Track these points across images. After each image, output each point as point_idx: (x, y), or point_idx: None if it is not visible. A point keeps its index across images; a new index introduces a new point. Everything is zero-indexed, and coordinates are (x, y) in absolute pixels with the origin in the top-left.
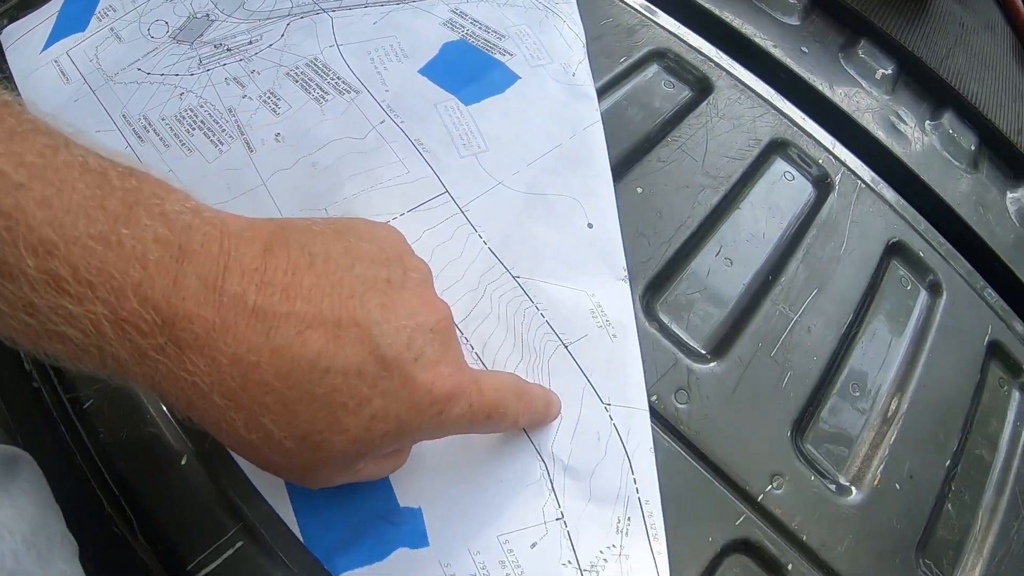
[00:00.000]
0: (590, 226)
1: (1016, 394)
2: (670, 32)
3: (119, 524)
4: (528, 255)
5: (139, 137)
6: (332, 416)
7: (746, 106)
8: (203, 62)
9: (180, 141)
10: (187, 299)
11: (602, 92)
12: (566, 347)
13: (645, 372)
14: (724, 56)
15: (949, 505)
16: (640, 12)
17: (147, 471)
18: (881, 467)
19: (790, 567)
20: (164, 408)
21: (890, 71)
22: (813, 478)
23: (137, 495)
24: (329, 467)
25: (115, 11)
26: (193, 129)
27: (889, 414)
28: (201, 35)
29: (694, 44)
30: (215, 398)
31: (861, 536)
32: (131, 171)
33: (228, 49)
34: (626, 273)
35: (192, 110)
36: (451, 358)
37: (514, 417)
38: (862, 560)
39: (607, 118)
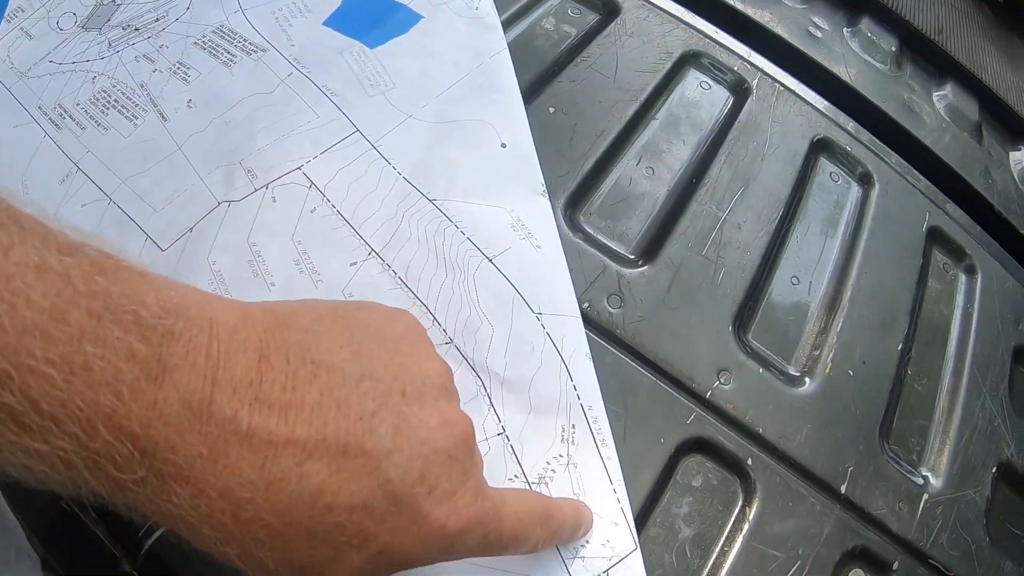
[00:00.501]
0: (503, 146)
1: (962, 277)
2: None
3: (68, 501)
4: (443, 179)
5: (56, 125)
6: (334, 551)
7: (655, 23)
8: (112, 44)
9: (96, 122)
10: (168, 425)
11: (508, 24)
12: (490, 260)
13: (574, 281)
14: None
15: (907, 390)
16: None
17: None
18: (831, 355)
19: (749, 461)
20: None
21: None
22: (761, 371)
23: None
24: None
25: (23, 11)
26: (107, 108)
27: (833, 303)
28: (109, 20)
29: None
30: (204, 531)
31: (819, 425)
32: (100, 265)
33: (136, 29)
34: (544, 188)
35: (105, 91)
36: (471, 486)
37: (535, 545)
38: (824, 449)
39: (514, 48)
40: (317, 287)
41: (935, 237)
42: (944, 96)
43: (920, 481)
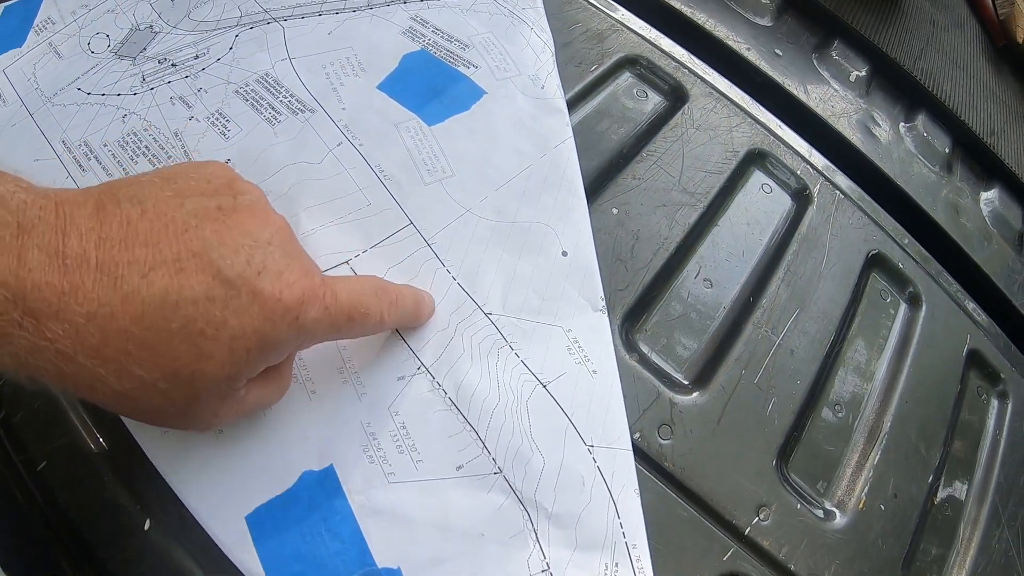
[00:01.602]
0: (564, 254)
1: (994, 402)
2: (642, 36)
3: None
4: (500, 289)
5: (80, 166)
6: (194, 346)
7: (722, 115)
8: (146, 79)
9: (123, 169)
10: (33, 270)
11: (572, 104)
12: (544, 387)
13: (627, 408)
14: (697, 61)
15: (931, 520)
16: (610, 16)
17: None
18: (866, 489)
19: None
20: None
21: (864, 72)
22: (799, 506)
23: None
24: (209, 399)
25: (54, 23)
26: (137, 156)
27: (872, 432)
28: (144, 49)
29: (666, 49)
30: (81, 359)
31: (847, 560)
32: None
33: (173, 64)
34: (604, 303)
35: (136, 134)
36: (296, 266)
37: (378, 316)
38: None
39: (577, 132)
40: (361, 400)
41: (974, 360)
42: (990, 201)
43: None
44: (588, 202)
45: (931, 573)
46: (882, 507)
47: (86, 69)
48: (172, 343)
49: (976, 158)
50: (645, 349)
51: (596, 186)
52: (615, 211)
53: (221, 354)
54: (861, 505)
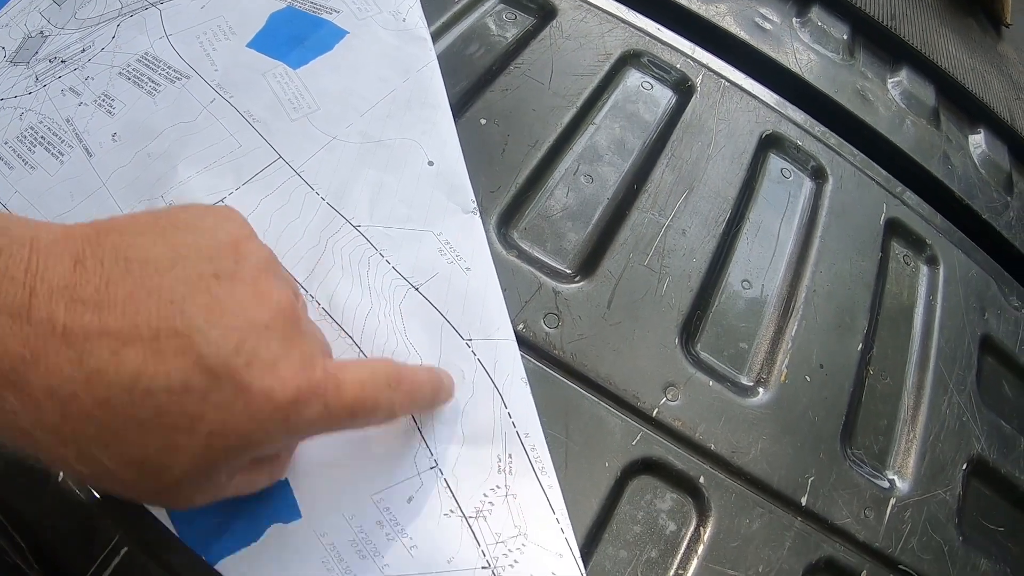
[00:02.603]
0: (431, 164)
1: (924, 268)
2: None
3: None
4: (367, 203)
5: None
6: (165, 439)
7: (593, 24)
8: (39, 78)
9: (23, 160)
10: None
11: (440, 33)
12: (416, 288)
13: (508, 302)
14: None
15: (869, 391)
16: None
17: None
18: (786, 361)
19: (701, 479)
20: None
21: None
22: (712, 383)
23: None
24: (183, 489)
25: None
26: (34, 146)
27: (787, 305)
28: (37, 53)
29: None
30: (39, 436)
31: (776, 436)
32: None
33: (63, 61)
34: (475, 205)
35: (32, 128)
36: (295, 355)
37: (389, 409)
38: (781, 460)
39: (446, 58)
40: None
41: (894, 229)
42: (899, 83)
43: (886, 485)
44: (456, 117)
45: (876, 444)
46: (807, 378)
47: None
48: (139, 433)
49: (879, 44)
50: (525, 245)
51: (463, 103)
52: (483, 121)
53: (195, 449)
54: (783, 378)
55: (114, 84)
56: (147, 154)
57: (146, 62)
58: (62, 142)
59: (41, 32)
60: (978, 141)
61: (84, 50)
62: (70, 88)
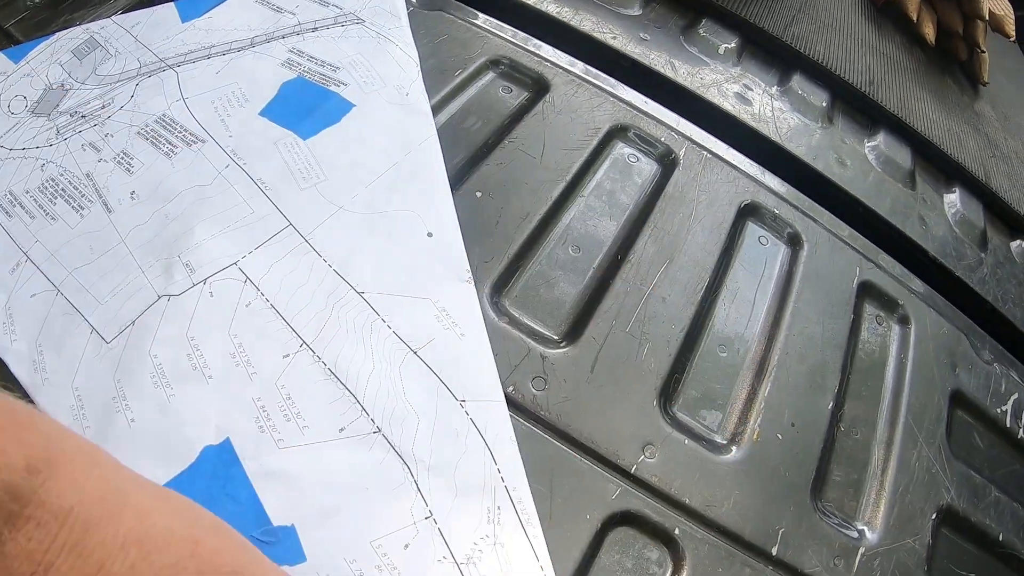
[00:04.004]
0: (430, 235)
1: (895, 327)
2: (504, 39)
3: None
4: (371, 271)
5: (7, 213)
6: None
7: (583, 98)
8: (60, 131)
9: (44, 211)
10: None
11: (440, 106)
12: (415, 352)
13: (499, 365)
14: (561, 54)
15: (840, 446)
16: (473, 24)
17: None
18: (759, 420)
19: (676, 531)
20: None
21: (733, 44)
22: (687, 442)
23: None
24: None
25: None
26: (55, 198)
27: (760, 367)
28: (57, 105)
29: (530, 47)
30: None
31: (748, 490)
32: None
33: (83, 116)
34: (469, 275)
35: (53, 179)
36: None
37: None
38: (753, 513)
39: (446, 131)
40: (252, 380)
41: (866, 291)
42: (876, 147)
43: (855, 535)
44: (454, 189)
45: (847, 497)
46: (779, 436)
47: (7, 128)
48: None
49: (858, 109)
50: (514, 312)
51: (460, 176)
52: (479, 194)
53: None
54: (756, 436)
55: (133, 143)
56: (164, 215)
57: (164, 123)
58: (82, 196)
59: (62, 85)
60: (953, 200)
61: (104, 107)
62: (90, 144)
